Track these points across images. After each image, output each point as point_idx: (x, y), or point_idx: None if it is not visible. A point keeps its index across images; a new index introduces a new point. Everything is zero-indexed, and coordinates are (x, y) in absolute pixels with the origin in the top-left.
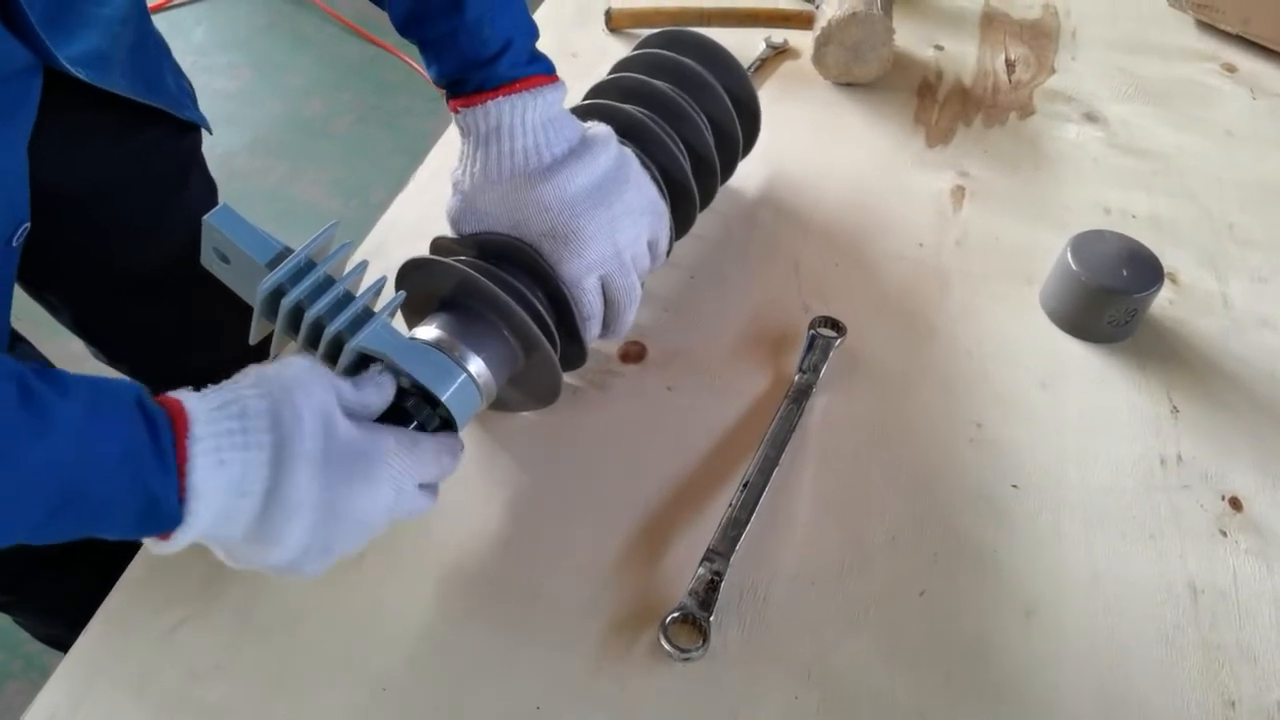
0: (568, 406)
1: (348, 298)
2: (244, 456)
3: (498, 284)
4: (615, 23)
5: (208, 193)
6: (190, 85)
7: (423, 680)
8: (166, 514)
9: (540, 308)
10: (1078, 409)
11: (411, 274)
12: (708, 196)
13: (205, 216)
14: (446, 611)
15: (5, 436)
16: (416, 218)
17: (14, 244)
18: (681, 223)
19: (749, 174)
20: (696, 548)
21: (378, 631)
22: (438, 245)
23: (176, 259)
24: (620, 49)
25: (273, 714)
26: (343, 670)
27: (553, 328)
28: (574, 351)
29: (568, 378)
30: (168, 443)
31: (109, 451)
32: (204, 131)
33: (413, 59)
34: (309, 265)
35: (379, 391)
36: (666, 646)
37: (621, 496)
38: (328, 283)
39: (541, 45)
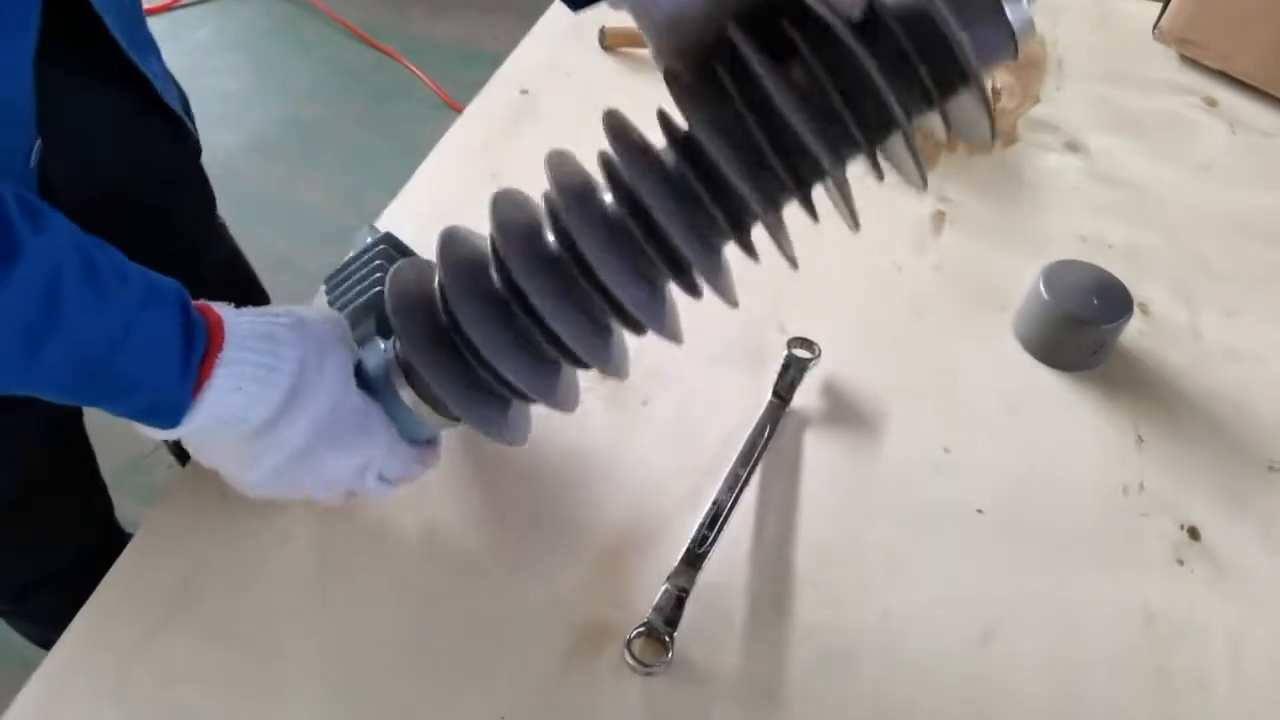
0: (543, 419)
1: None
2: (259, 391)
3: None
4: (610, 41)
5: (202, 206)
6: (184, 94)
7: (392, 687)
8: (169, 416)
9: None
10: (1045, 436)
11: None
12: None
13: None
14: (415, 619)
15: (65, 308)
16: (414, 224)
17: (31, 164)
18: None
19: None
20: (665, 563)
21: (348, 639)
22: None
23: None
24: (614, 68)
25: (244, 717)
26: (314, 676)
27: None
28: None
29: None
30: (197, 356)
31: (146, 348)
32: (199, 148)
33: (415, 65)
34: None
35: (377, 364)
36: (630, 661)
37: (592, 510)
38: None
39: (532, 61)
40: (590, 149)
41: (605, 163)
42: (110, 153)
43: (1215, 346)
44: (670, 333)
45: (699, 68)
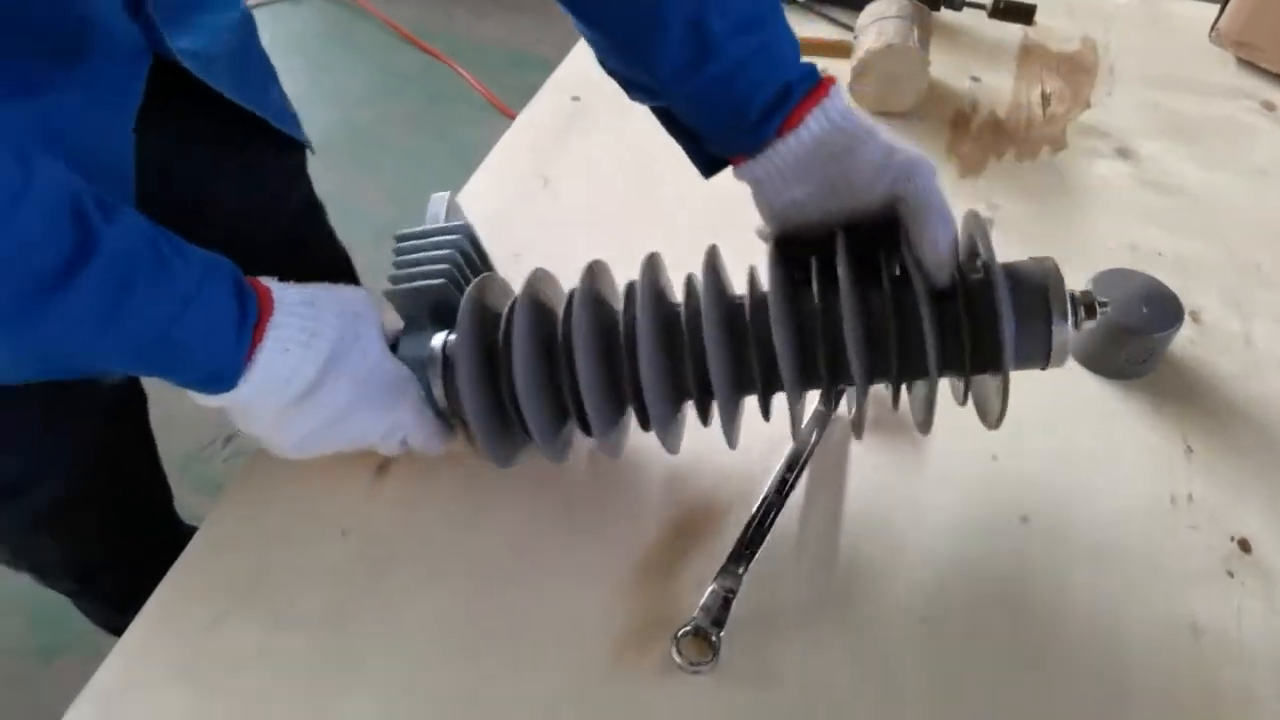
0: None
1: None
2: (304, 353)
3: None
4: None
5: (311, 214)
6: (294, 111)
7: (448, 679)
8: (224, 381)
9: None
10: (1092, 444)
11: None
12: None
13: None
14: (469, 614)
15: (137, 288)
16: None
17: None
18: None
19: None
20: (712, 564)
21: (403, 630)
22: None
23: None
24: None
25: (307, 704)
26: (371, 665)
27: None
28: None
29: None
30: (250, 323)
31: (205, 319)
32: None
33: (465, 69)
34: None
35: (416, 347)
36: (677, 659)
37: (642, 510)
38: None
39: (584, 68)
40: (638, 155)
41: (688, 283)
42: (220, 195)
43: (1267, 355)
44: (670, 445)
45: (797, 250)
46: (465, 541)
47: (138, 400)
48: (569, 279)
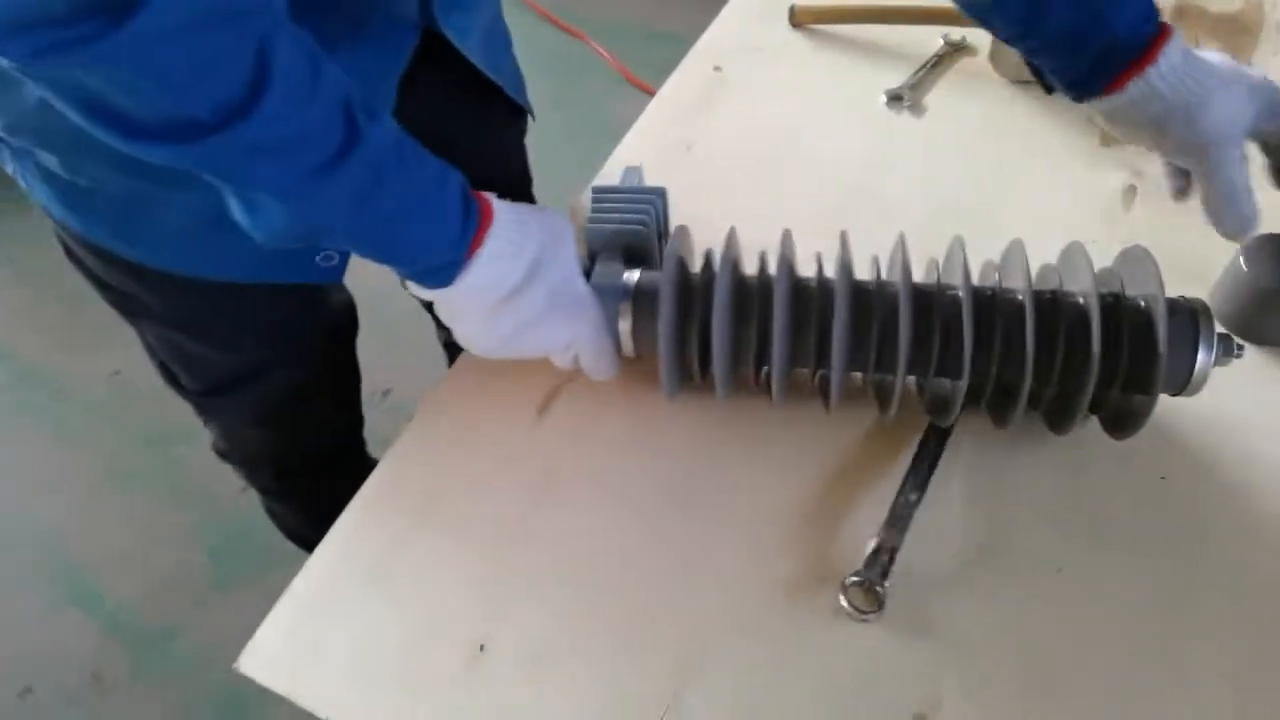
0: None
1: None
2: (511, 263)
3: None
4: (799, 18)
5: (523, 183)
6: (522, 77)
7: (620, 603)
8: (444, 275)
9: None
10: (1239, 410)
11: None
12: None
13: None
14: (638, 541)
15: (387, 180)
16: None
17: None
18: None
19: (916, 171)
20: (878, 513)
21: (575, 551)
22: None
23: None
24: (803, 44)
25: (484, 616)
26: (545, 583)
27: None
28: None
29: None
30: (472, 228)
31: (435, 218)
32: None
33: (601, 45)
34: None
35: (610, 277)
36: (845, 606)
37: (807, 459)
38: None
39: (725, 39)
40: (777, 121)
41: (875, 265)
42: (452, 155)
43: None
44: (832, 402)
45: None
46: (628, 473)
47: (352, 328)
48: (717, 240)
